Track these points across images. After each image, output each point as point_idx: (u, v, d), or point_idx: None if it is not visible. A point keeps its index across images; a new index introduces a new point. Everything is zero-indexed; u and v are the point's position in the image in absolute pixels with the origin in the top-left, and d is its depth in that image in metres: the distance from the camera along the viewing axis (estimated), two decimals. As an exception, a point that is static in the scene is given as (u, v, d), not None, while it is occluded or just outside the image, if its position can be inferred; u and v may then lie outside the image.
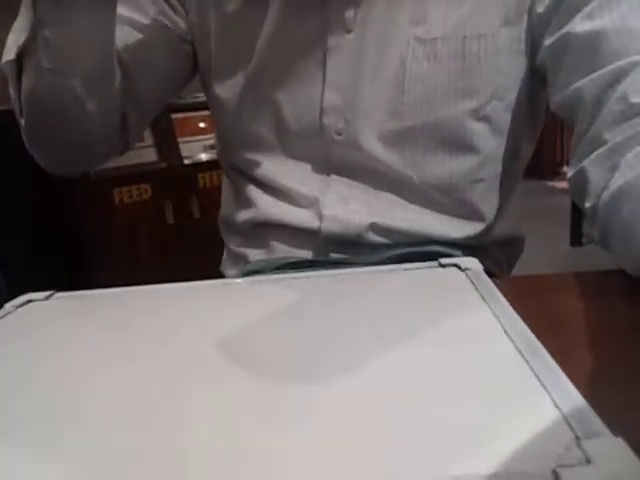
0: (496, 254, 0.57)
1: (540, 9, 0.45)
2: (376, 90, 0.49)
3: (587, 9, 0.41)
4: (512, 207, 0.57)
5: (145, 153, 2.29)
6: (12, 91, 0.49)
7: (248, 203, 0.57)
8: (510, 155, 0.52)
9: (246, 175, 0.58)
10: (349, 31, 0.48)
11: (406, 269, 0.36)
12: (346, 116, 0.50)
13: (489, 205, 0.54)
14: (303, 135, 0.53)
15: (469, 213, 0.53)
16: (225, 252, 0.64)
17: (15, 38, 0.45)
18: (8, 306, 0.37)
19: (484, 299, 0.29)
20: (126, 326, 0.32)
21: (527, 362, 0.22)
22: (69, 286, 0.41)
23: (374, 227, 0.52)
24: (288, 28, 0.50)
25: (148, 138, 2.31)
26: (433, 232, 0.52)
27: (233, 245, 0.61)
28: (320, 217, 0.53)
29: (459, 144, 0.50)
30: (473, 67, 0.47)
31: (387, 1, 0.47)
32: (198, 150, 2.34)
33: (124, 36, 0.51)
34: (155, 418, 0.21)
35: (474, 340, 0.25)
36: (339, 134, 0.51)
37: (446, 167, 0.50)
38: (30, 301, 0.38)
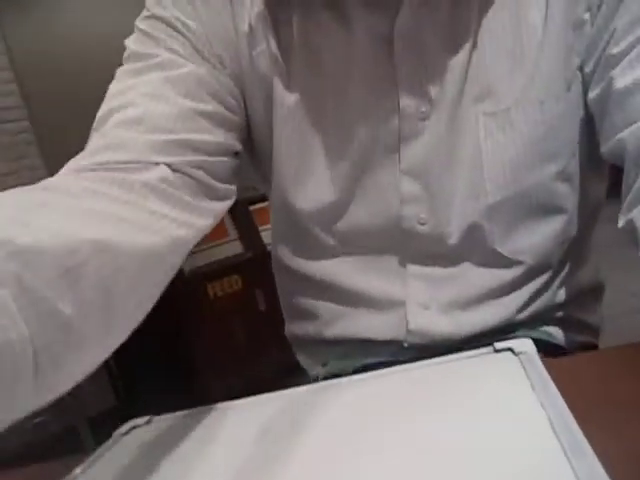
0: (585, 304, 0.56)
1: (587, 69, 0.45)
2: (455, 174, 0.47)
3: (626, 60, 0.41)
4: (593, 256, 0.56)
5: (231, 247, 2.45)
6: None
7: (308, 314, 0.55)
8: (589, 206, 0.52)
9: (304, 278, 0.54)
10: (423, 119, 0.46)
11: (461, 358, 0.38)
12: (428, 205, 0.48)
13: (574, 261, 0.53)
14: (375, 229, 0.49)
15: (562, 278, 0.52)
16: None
17: None
18: (115, 435, 0.42)
19: (534, 388, 0.30)
20: (224, 442, 0.36)
21: (570, 464, 0.22)
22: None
23: (458, 336, 0.50)
24: (357, 116, 0.47)
25: (232, 232, 2.48)
26: (514, 315, 0.50)
27: (305, 354, 0.60)
28: (405, 330, 0.50)
29: (547, 208, 0.48)
30: (552, 130, 0.46)
31: (453, 87, 0.45)
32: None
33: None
34: None
35: (517, 436, 0.26)
36: (422, 224, 0.48)
37: (537, 233, 0.49)
38: (134, 427, 0.43)
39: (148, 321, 0.36)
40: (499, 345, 0.37)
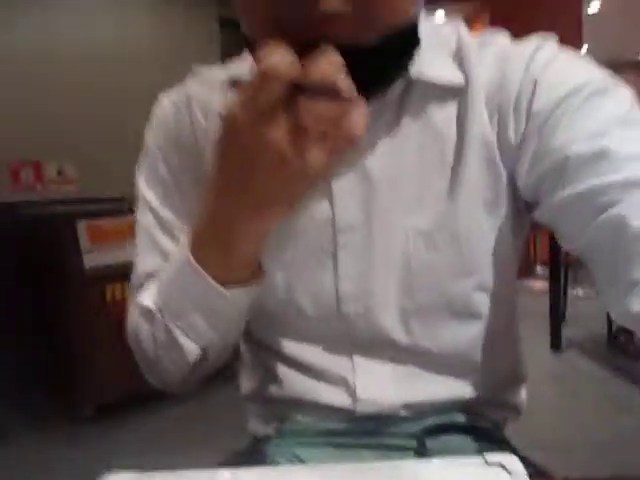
0: (507, 389, 0.61)
1: (527, 183, 0.48)
2: (388, 276, 0.52)
3: (569, 174, 0.44)
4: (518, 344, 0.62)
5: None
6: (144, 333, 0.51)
7: (274, 379, 0.58)
8: (504, 308, 0.57)
9: (270, 350, 0.58)
10: (354, 229, 0.52)
11: (451, 464, 0.40)
12: (363, 302, 0.53)
13: (499, 356, 0.58)
14: (321, 319, 0.54)
15: (483, 370, 0.57)
16: (244, 409, 0.65)
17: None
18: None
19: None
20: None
21: None
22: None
23: (406, 406, 0.54)
24: (299, 221, 0.52)
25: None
26: (457, 397, 0.55)
27: (258, 414, 0.62)
28: (354, 399, 0.54)
29: (466, 314, 0.54)
30: (470, 250, 0.51)
31: (388, 196, 0.51)
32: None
33: None
34: None
35: None
36: (360, 317, 0.53)
37: (459, 335, 0.54)
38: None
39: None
40: (490, 459, 0.40)
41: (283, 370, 0.57)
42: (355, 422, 0.55)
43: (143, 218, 0.58)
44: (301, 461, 0.52)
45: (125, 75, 2.99)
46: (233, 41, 3.66)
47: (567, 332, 3.04)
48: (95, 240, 2.21)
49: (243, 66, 0.56)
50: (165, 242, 0.57)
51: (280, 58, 0.36)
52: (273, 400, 0.59)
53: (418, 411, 0.55)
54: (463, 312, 0.54)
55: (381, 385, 0.54)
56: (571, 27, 5.52)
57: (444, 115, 0.51)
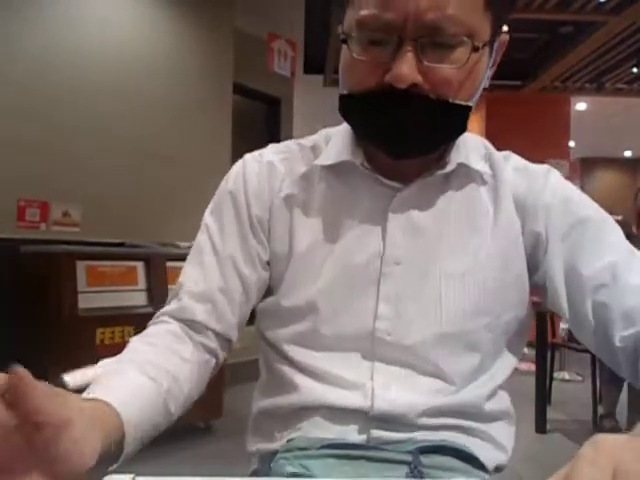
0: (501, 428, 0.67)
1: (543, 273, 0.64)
2: (419, 305, 0.63)
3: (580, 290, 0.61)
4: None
5: (135, 296, 2.36)
6: None
7: (291, 388, 0.63)
8: (505, 345, 0.67)
9: (289, 361, 0.65)
10: (398, 264, 0.63)
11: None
12: (395, 323, 0.62)
13: (494, 389, 0.66)
14: (354, 334, 0.63)
15: (484, 389, 0.64)
16: (252, 428, 0.69)
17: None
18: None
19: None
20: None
21: None
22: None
23: (417, 409, 0.60)
24: (352, 254, 0.63)
25: (142, 282, 2.39)
26: (460, 406, 0.62)
27: (266, 427, 0.66)
28: (372, 397, 0.60)
29: (474, 346, 0.63)
30: (491, 296, 0.63)
31: (429, 244, 0.63)
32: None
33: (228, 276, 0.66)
34: None
35: None
36: (389, 334, 0.62)
37: (466, 363, 0.63)
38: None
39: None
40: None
41: (301, 379, 0.63)
42: (366, 426, 0.60)
43: (198, 238, 0.69)
44: (307, 470, 0.55)
45: (141, 126, 3.12)
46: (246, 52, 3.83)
47: (552, 415, 3.03)
48: (92, 281, 2.23)
49: (316, 137, 0.72)
50: (209, 260, 0.66)
51: None
52: (288, 412, 0.63)
53: (428, 416, 0.61)
54: (472, 344, 0.63)
55: (397, 387, 0.61)
56: (559, 123, 5.87)
57: (480, 192, 0.66)
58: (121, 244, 2.75)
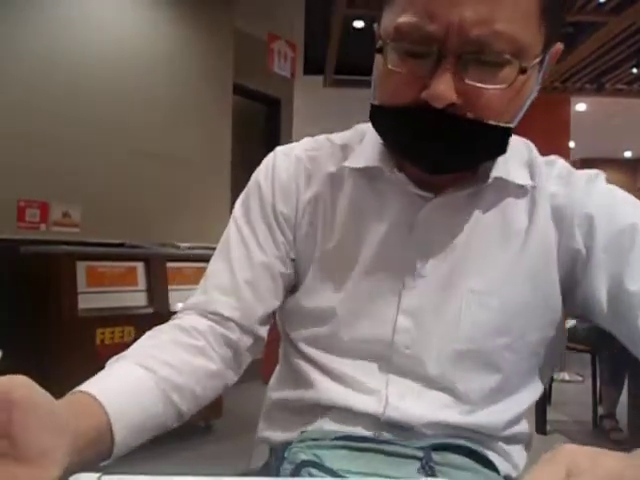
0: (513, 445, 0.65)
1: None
2: (438, 320, 0.61)
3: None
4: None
5: (135, 297, 2.36)
6: None
7: (307, 384, 0.64)
8: (532, 368, 0.64)
9: (307, 358, 0.65)
10: (422, 276, 0.61)
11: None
12: (414, 336, 0.61)
13: (512, 409, 0.63)
14: (372, 343, 0.62)
15: (498, 411, 0.62)
16: (265, 417, 0.69)
17: None
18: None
19: None
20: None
21: None
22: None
23: (428, 422, 0.59)
24: (376, 263, 0.62)
25: (142, 283, 2.39)
26: (472, 425, 0.61)
27: (280, 417, 0.66)
28: (385, 405, 0.60)
29: (494, 366, 0.61)
30: (514, 316, 0.60)
31: (456, 259, 0.61)
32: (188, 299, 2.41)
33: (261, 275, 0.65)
34: None
35: None
36: (407, 348, 0.61)
37: (484, 382, 0.61)
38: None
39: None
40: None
41: (318, 377, 0.63)
42: (376, 429, 0.60)
43: (227, 229, 0.68)
44: (319, 459, 0.55)
45: (141, 127, 3.12)
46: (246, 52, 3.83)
47: (552, 415, 3.02)
48: (92, 282, 2.23)
49: (349, 135, 0.69)
50: (236, 252, 0.65)
51: None
52: (302, 406, 0.64)
53: (435, 429, 0.60)
54: (491, 364, 0.61)
55: (411, 398, 0.61)
56: (559, 124, 5.88)
57: (516, 206, 0.62)
58: (121, 244, 2.75)
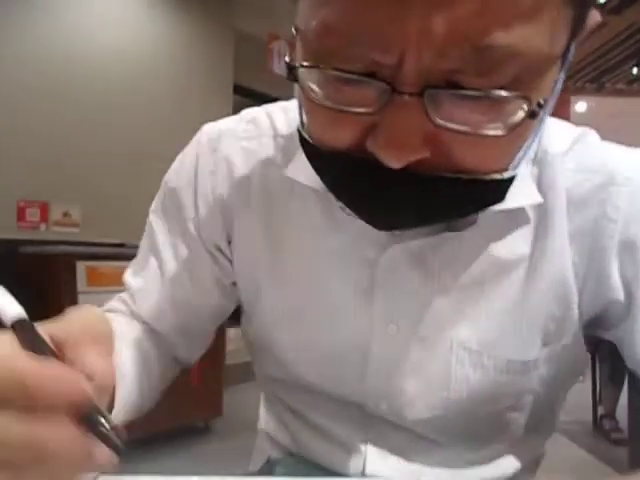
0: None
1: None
2: (420, 383, 0.48)
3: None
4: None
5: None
6: None
7: (287, 431, 0.59)
8: (537, 426, 0.53)
9: (284, 403, 0.58)
10: (395, 327, 0.47)
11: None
12: (389, 401, 0.50)
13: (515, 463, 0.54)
14: (343, 402, 0.52)
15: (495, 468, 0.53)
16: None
17: None
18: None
19: None
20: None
21: None
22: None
23: (415, 476, 0.52)
24: (331, 313, 0.50)
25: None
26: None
27: (274, 441, 0.62)
28: (363, 466, 0.52)
29: (493, 431, 0.51)
30: (517, 380, 0.48)
31: (444, 303, 0.46)
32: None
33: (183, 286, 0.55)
34: None
35: None
36: (384, 414, 0.51)
37: (481, 446, 0.52)
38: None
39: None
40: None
41: (296, 425, 0.58)
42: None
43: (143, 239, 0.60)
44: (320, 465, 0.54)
45: (141, 127, 3.12)
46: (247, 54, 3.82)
47: (552, 415, 3.03)
48: (92, 282, 2.23)
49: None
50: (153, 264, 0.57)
51: None
52: (286, 447, 0.60)
53: None
54: (490, 428, 0.51)
55: (390, 460, 0.52)
56: (560, 123, 5.88)
57: (517, 235, 0.45)
58: (121, 244, 2.75)
